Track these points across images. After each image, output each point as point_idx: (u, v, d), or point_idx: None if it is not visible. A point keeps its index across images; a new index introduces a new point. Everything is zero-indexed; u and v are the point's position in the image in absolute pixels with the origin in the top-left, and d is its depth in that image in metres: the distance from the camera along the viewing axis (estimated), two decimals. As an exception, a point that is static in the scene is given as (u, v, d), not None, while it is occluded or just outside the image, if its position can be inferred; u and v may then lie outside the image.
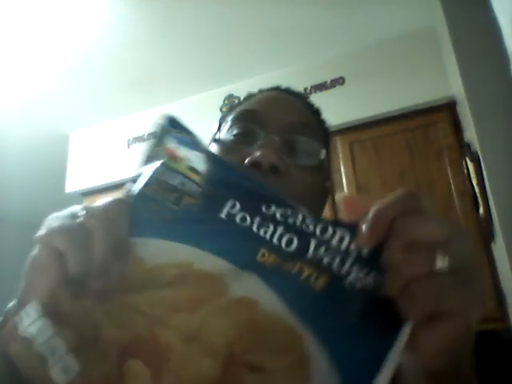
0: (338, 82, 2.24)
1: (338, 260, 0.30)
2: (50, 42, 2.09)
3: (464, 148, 1.81)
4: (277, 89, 0.59)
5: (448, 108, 2.01)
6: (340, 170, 2.12)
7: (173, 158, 0.37)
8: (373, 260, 0.29)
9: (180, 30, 2.08)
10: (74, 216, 0.32)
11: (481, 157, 1.48)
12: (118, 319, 0.30)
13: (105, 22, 2.00)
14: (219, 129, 0.55)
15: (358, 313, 0.28)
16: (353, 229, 0.30)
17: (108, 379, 0.29)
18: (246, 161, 0.47)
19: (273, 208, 0.33)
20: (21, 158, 2.89)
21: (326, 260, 0.30)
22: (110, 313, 0.30)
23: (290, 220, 0.32)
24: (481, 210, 1.60)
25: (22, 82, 2.34)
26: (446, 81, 2.00)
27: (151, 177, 0.36)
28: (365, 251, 0.29)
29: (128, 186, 0.37)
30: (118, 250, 0.31)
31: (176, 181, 0.35)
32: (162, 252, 0.32)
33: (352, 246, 0.30)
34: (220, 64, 2.27)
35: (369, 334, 0.28)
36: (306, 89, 2.21)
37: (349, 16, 2.05)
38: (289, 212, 0.32)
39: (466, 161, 1.76)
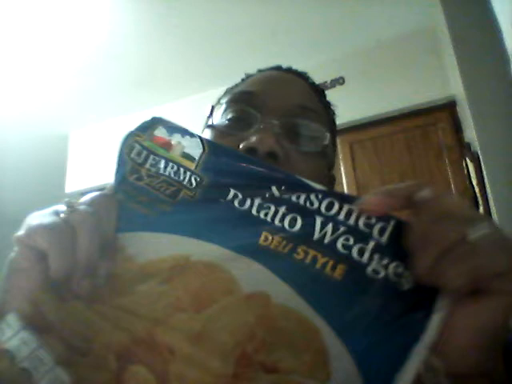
0: (338, 81, 2.24)
1: (357, 245, 0.27)
2: (50, 42, 2.08)
3: (464, 148, 1.81)
4: (278, 68, 0.54)
5: (448, 108, 2.01)
6: (340, 169, 2.12)
7: (165, 146, 0.35)
8: (393, 248, 0.27)
9: (180, 30, 2.08)
10: (56, 213, 0.29)
11: (481, 157, 1.48)
12: (114, 322, 0.28)
13: (105, 22, 2.00)
14: (211, 113, 0.50)
15: (378, 303, 0.27)
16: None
17: None
18: (241, 146, 0.42)
19: (273, 188, 0.31)
20: (21, 158, 2.89)
21: (340, 245, 0.28)
22: (104, 315, 0.28)
23: (294, 198, 0.30)
24: (481, 210, 1.60)
25: (21, 82, 2.34)
26: (446, 81, 2.00)
27: (139, 167, 0.34)
28: (384, 238, 0.27)
29: (115, 178, 0.35)
30: (106, 247, 0.29)
31: (168, 170, 0.33)
32: (155, 246, 0.30)
33: (361, 223, 0.28)
34: (220, 64, 2.27)
35: (391, 327, 0.26)
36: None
37: (349, 16, 2.05)
38: (291, 190, 0.30)
39: (465, 161, 1.76)
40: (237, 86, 0.52)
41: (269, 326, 0.27)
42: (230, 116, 0.47)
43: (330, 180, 0.53)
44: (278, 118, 0.44)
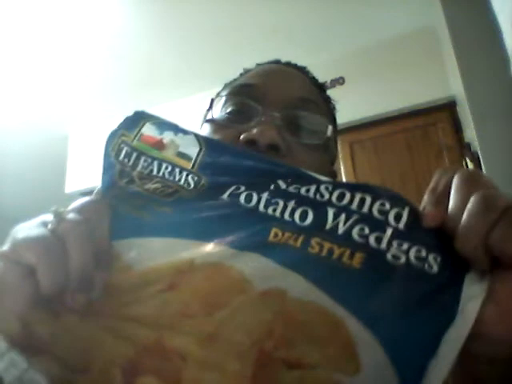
0: (338, 81, 2.24)
1: (373, 233, 0.26)
2: (50, 42, 2.08)
3: (464, 148, 1.81)
4: (277, 62, 0.53)
5: (448, 108, 2.01)
6: (340, 169, 2.12)
7: (156, 146, 0.32)
8: (411, 233, 0.26)
9: (182, 29, 2.08)
10: (43, 224, 0.27)
11: (481, 157, 1.48)
12: (116, 333, 0.26)
13: (105, 22, 2.00)
14: (211, 107, 0.48)
15: (403, 289, 0.25)
16: (373, 190, 0.28)
17: None
18: (241, 138, 0.41)
19: (280, 182, 0.29)
20: (20, 158, 2.89)
21: (356, 234, 0.27)
22: (104, 328, 0.26)
23: (303, 191, 0.29)
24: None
25: (21, 82, 2.34)
26: (446, 81, 1.99)
27: (129, 170, 0.32)
28: (401, 224, 0.26)
29: (102, 182, 0.32)
30: (100, 256, 0.27)
31: (162, 171, 0.31)
32: (154, 252, 0.28)
33: (375, 210, 0.27)
34: (221, 63, 2.27)
35: (419, 312, 0.25)
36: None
37: (349, 16, 2.05)
38: (299, 184, 0.29)
39: (465, 161, 1.76)
40: (236, 79, 0.52)
41: (288, 321, 0.25)
42: (230, 109, 0.46)
43: (332, 175, 0.52)
44: (279, 110, 0.43)
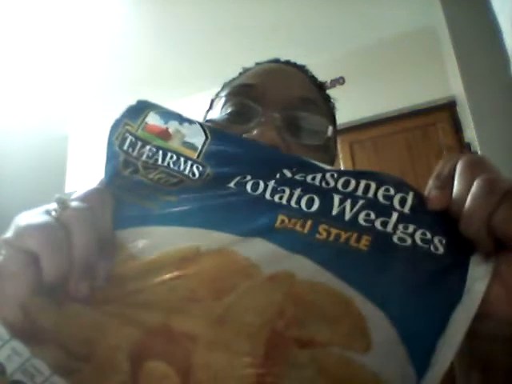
0: (338, 81, 2.24)
1: (379, 218, 0.27)
2: (50, 42, 2.08)
3: (464, 148, 1.81)
4: (276, 61, 0.53)
5: (448, 108, 2.01)
6: (340, 170, 2.12)
7: (161, 135, 0.32)
8: (416, 217, 0.27)
9: (182, 29, 2.08)
10: (47, 212, 0.27)
11: (481, 157, 1.48)
12: (122, 319, 0.25)
13: (105, 22, 2.00)
14: (211, 107, 0.48)
15: (410, 269, 0.26)
16: (377, 176, 0.28)
17: None
18: None
19: (286, 171, 0.29)
20: (20, 158, 2.89)
21: (362, 220, 0.27)
22: (109, 314, 0.26)
23: (309, 179, 0.29)
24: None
25: (21, 82, 2.34)
26: (446, 81, 1.99)
27: (134, 160, 0.32)
28: (406, 208, 0.27)
29: (105, 172, 0.32)
30: (104, 245, 0.27)
31: (167, 161, 0.31)
32: (159, 241, 0.28)
33: (380, 195, 0.28)
34: (221, 63, 2.27)
35: (427, 291, 0.25)
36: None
37: (349, 16, 2.05)
38: (305, 172, 0.29)
39: (466, 161, 1.76)
40: (235, 79, 0.51)
41: (298, 302, 0.25)
42: (229, 110, 0.45)
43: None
44: (279, 110, 0.43)
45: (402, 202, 0.27)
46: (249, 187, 0.29)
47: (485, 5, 1.43)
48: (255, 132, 0.41)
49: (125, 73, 2.37)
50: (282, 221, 0.28)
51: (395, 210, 0.27)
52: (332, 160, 0.52)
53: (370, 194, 0.28)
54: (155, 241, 0.28)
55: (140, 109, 0.34)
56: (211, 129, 0.33)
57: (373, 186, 0.28)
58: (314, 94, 0.49)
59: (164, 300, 0.26)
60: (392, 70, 2.16)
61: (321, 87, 0.53)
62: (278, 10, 1.98)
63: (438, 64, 2.04)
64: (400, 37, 2.17)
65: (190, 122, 0.33)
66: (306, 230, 0.27)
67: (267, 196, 0.29)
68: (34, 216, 0.26)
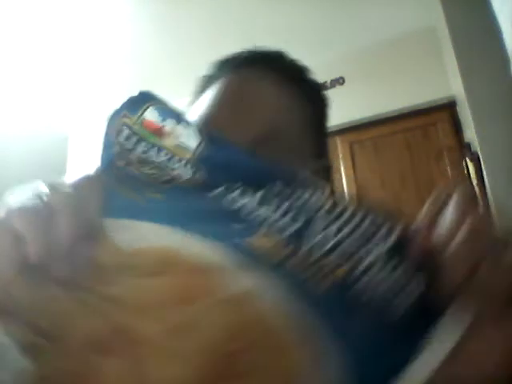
0: (338, 81, 2.24)
1: (361, 251, 0.26)
2: (50, 41, 2.08)
3: (464, 148, 1.81)
4: (248, 64, 0.47)
5: (448, 108, 2.01)
6: (340, 170, 2.12)
7: (156, 133, 0.32)
8: (399, 256, 0.26)
9: (181, 31, 2.08)
10: (38, 195, 0.28)
11: (481, 157, 1.48)
12: (93, 310, 0.26)
13: (105, 22, 2.00)
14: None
15: (373, 319, 0.25)
16: (365, 206, 0.27)
17: (77, 380, 0.24)
18: None
19: (275, 185, 0.29)
20: (20, 158, 2.89)
21: (342, 249, 0.26)
22: (83, 302, 0.26)
23: (298, 197, 0.28)
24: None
25: (21, 82, 2.34)
26: (446, 81, 1.99)
27: (128, 153, 0.32)
28: (388, 243, 0.26)
29: (101, 161, 0.33)
30: (89, 231, 0.28)
31: (161, 158, 0.31)
32: (143, 236, 0.28)
33: (365, 225, 0.27)
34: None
35: (390, 336, 0.24)
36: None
37: (349, 16, 2.05)
38: (294, 188, 0.29)
39: (465, 161, 1.76)
40: (206, 86, 0.49)
41: (249, 331, 0.25)
42: None
43: (321, 171, 0.48)
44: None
45: (387, 235, 0.26)
46: (235, 196, 0.29)
47: (485, 5, 1.43)
48: None
49: (125, 73, 2.37)
50: (261, 236, 0.27)
51: (379, 244, 0.26)
52: (319, 152, 0.48)
53: (355, 222, 0.27)
54: (138, 235, 0.28)
55: (141, 100, 0.34)
56: (208, 133, 0.32)
57: (359, 213, 0.27)
58: (281, 116, 0.44)
59: (133, 298, 0.26)
60: (392, 69, 2.16)
61: (298, 83, 0.48)
62: (278, 11, 1.98)
63: (438, 64, 2.04)
64: (400, 37, 2.17)
65: (188, 123, 0.33)
66: (282, 252, 0.27)
67: (251, 208, 0.28)
68: (24, 199, 0.28)
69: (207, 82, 0.50)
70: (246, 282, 0.26)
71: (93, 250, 0.27)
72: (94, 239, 0.28)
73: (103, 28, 2.04)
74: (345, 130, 2.11)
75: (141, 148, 0.32)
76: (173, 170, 0.31)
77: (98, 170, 0.32)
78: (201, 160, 0.31)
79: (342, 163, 2.12)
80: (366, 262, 0.26)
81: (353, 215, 0.27)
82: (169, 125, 0.32)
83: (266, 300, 0.25)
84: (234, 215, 0.29)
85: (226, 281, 0.26)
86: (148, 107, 0.33)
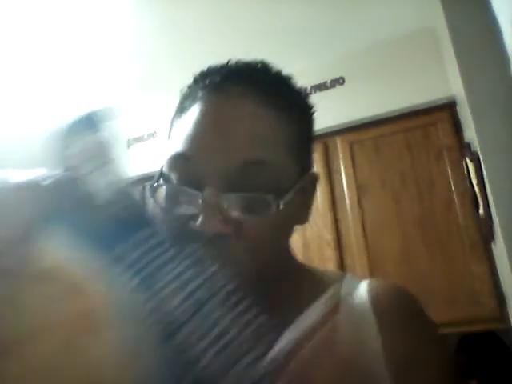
0: (338, 81, 2.24)
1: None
2: (50, 40, 2.08)
3: (464, 148, 1.81)
4: (231, 82, 0.45)
5: (448, 108, 2.01)
6: (340, 170, 2.12)
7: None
8: None
9: (181, 31, 2.08)
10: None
11: (481, 157, 1.48)
12: (7, 312, 0.26)
13: (105, 22, 2.00)
14: (169, 133, 0.48)
15: None
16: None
17: None
18: (188, 229, 0.40)
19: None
20: (21, 159, 2.89)
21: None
22: (4, 302, 0.26)
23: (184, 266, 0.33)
24: (481, 210, 1.60)
25: (21, 81, 2.34)
26: (446, 81, 2.00)
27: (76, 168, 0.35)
28: None
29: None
30: (22, 235, 0.29)
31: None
32: (67, 252, 0.29)
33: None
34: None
35: None
36: (306, 89, 2.21)
37: (349, 16, 2.05)
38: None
39: (465, 161, 1.76)
40: (182, 109, 0.48)
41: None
42: (170, 195, 0.44)
43: (301, 217, 0.49)
44: (222, 185, 0.40)
45: None
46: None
47: (485, 5, 1.43)
48: (199, 222, 0.40)
49: (125, 73, 2.37)
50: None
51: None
52: (305, 166, 0.48)
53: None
54: (63, 251, 0.29)
55: (83, 124, 0.36)
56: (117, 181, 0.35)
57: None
58: (264, 137, 0.43)
59: (34, 313, 0.26)
60: (392, 70, 2.16)
61: (280, 101, 0.46)
62: (278, 11, 1.98)
63: (438, 64, 2.04)
64: (400, 37, 2.17)
65: (104, 173, 0.35)
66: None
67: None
68: None
69: (188, 99, 0.48)
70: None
71: (21, 251, 0.28)
72: (25, 242, 0.28)
73: (103, 28, 2.04)
74: (345, 130, 2.11)
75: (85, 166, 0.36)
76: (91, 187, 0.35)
77: (66, 176, 0.36)
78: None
79: (341, 163, 2.12)
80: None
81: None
82: (85, 168, 0.35)
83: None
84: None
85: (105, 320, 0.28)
86: (80, 138, 0.36)
